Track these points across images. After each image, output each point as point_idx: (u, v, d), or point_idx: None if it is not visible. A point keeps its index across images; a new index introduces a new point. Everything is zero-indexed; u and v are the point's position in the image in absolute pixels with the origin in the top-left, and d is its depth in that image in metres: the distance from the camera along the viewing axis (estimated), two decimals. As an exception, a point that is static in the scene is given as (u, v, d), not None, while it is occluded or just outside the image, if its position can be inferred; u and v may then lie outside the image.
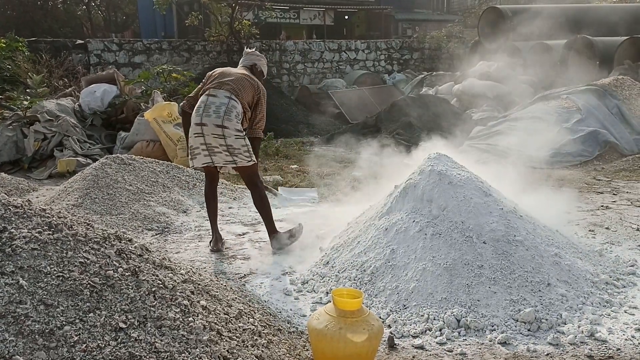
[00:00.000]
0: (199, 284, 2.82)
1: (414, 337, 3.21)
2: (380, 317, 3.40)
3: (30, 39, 13.12)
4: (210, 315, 2.63)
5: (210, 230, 4.84)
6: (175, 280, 2.66)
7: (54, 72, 10.59)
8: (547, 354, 2.99)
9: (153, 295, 2.48)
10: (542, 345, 3.07)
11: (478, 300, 3.40)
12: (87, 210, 5.15)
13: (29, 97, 8.37)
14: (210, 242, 4.81)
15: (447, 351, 3.04)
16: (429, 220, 3.86)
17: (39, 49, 12.16)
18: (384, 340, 3.12)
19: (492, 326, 3.25)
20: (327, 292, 3.77)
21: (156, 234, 5.14)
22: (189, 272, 2.88)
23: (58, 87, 10.39)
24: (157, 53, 14.52)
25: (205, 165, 4.54)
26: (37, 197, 5.89)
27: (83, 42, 13.96)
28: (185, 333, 2.40)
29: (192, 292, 2.70)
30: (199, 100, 4.50)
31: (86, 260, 2.41)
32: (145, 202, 5.55)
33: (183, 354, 2.30)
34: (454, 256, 3.63)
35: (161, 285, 2.55)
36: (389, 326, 3.32)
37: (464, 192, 3.93)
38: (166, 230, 5.26)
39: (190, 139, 4.48)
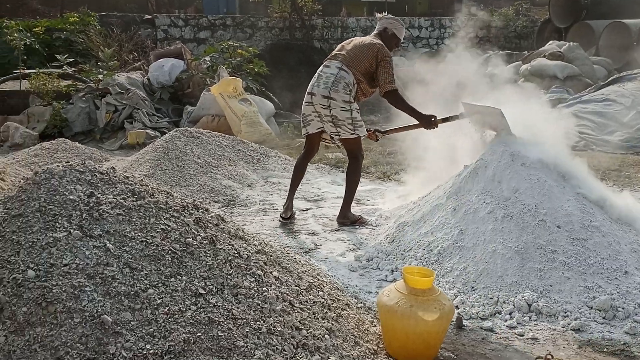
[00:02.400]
0: (271, 255, 2.86)
1: (483, 319, 3.17)
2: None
3: (101, 14, 13.54)
4: (283, 286, 2.67)
5: (287, 198, 4.89)
6: (249, 251, 2.71)
7: (123, 46, 10.91)
8: (624, 343, 2.88)
9: (229, 264, 2.54)
10: (618, 334, 2.97)
11: (550, 286, 3.31)
12: (158, 181, 5.30)
13: (101, 70, 8.66)
14: (282, 210, 4.86)
15: (518, 335, 2.98)
16: (500, 202, 3.76)
17: (110, 23, 12.54)
18: (453, 321, 3.09)
19: (565, 312, 3.16)
20: (393, 270, 3.76)
21: (222, 207, 5.25)
22: (261, 243, 2.93)
23: (127, 61, 10.71)
24: (221, 29, 14.69)
25: (318, 130, 4.62)
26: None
27: (151, 17, 14.30)
28: (260, 302, 2.45)
29: (265, 263, 2.74)
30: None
31: (167, 227, 2.49)
32: (212, 175, 5.67)
33: (258, 322, 2.35)
34: (526, 239, 3.54)
35: (236, 255, 2.61)
36: (457, 307, 3.29)
37: (537, 174, 3.81)
38: (232, 203, 5.36)
39: (302, 107, 4.63)
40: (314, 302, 2.76)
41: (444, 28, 18.51)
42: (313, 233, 4.63)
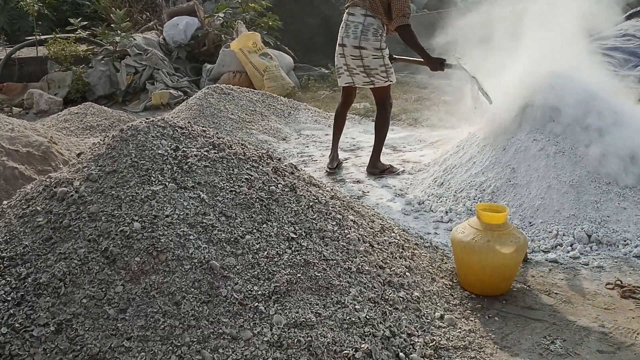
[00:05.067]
0: (344, 201, 2.94)
1: (545, 252, 3.26)
2: (506, 234, 3.46)
3: (106, -26, 13.25)
4: (360, 229, 2.75)
5: (331, 149, 4.96)
6: (325, 197, 2.79)
7: (134, 6, 10.73)
8: (689, 267, 2.98)
9: (311, 209, 2.62)
10: (681, 258, 3.06)
11: (608, 217, 3.39)
12: (197, 138, 5.35)
13: (118, 32, 8.57)
14: (328, 161, 4.93)
15: (583, 264, 3.08)
16: (551, 138, 3.81)
17: (116, -17, 12.29)
18: (517, 255, 3.19)
19: (625, 241, 3.25)
20: (447, 212, 3.84)
21: (262, 160, 5.31)
22: (332, 189, 3.00)
23: (140, 22, 10.56)
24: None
25: (348, 85, 4.61)
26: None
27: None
28: (345, 244, 2.54)
29: (342, 208, 2.82)
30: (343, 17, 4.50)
31: (250, 176, 2.55)
32: (248, 130, 5.71)
33: (347, 262, 2.44)
34: (579, 173, 3.60)
35: (316, 200, 2.68)
36: (517, 242, 3.38)
37: (587, 107, 3.84)
38: (271, 156, 5.41)
39: (335, 58, 4.58)
40: (389, 242, 2.85)
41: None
42: (358, 181, 4.70)
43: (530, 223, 3.51)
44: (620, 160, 3.61)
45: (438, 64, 4.53)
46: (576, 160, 3.66)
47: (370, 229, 2.86)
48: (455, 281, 2.88)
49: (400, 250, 2.85)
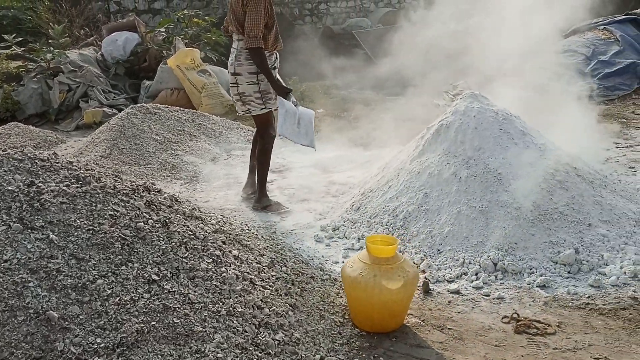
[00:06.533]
0: (230, 234, 2.78)
1: (450, 281, 3.15)
2: (414, 263, 3.34)
3: (49, -11, 12.92)
4: (243, 265, 2.59)
5: (248, 173, 4.70)
6: (206, 231, 2.62)
7: (74, 22, 10.42)
8: (589, 297, 2.90)
9: (184, 246, 2.44)
10: (583, 288, 2.99)
11: (515, 243, 3.31)
12: (116, 161, 5.13)
13: (52, 49, 8.28)
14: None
15: (484, 295, 2.98)
16: (463, 162, 3.72)
17: (59, -2, 11.97)
18: (419, 286, 3.07)
19: (531, 269, 3.17)
20: (359, 238, 3.72)
21: (185, 183, 5.11)
22: (219, 221, 2.84)
23: (80, 37, 10.26)
24: (176, -2, 14.18)
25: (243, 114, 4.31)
26: (65, 149, 5.90)
27: (102, -11, 13.71)
28: (219, 283, 2.37)
29: (224, 242, 2.66)
30: None
31: (116, 212, 2.37)
32: (173, 152, 5.51)
33: (217, 304, 2.28)
34: (490, 198, 3.52)
35: (192, 236, 2.52)
36: (423, 271, 3.27)
37: (499, 132, 3.77)
38: (195, 179, 5.23)
39: None
40: (276, 278, 2.70)
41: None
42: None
43: (438, 250, 3.41)
44: (530, 184, 3.54)
45: (284, 93, 4.15)
46: (487, 184, 3.58)
47: (257, 264, 2.70)
48: (347, 317, 2.73)
49: (288, 286, 2.69)
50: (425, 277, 3.18)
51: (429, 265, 3.30)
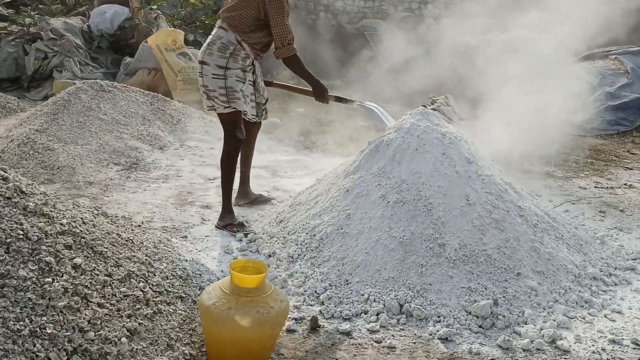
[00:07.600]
0: (83, 238, 2.42)
1: (345, 319, 2.77)
2: (316, 292, 2.98)
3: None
4: (82, 277, 2.24)
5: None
6: (46, 232, 2.27)
7: (70, -11, 10.19)
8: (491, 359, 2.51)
9: (7, 247, 2.09)
10: (488, 347, 2.59)
11: (430, 285, 2.91)
12: (51, 138, 4.81)
13: (32, 13, 8.01)
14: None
15: (375, 342, 2.59)
16: (395, 185, 3.33)
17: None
18: (307, 321, 2.71)
19: (438, 317, 2.77)
20: (270, 255, 3.36)
21: (121, 170, 4.79)
22: (75, 221, 2.48)
23: (75, 6, 10.01)
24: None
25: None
26: (12, 119, 5.62)
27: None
28: (34, 297, 2.02)
29: (69, 247, 2.31)
30: None
31: None
32: (118, 134, 5.19)
33: (20, 322, 1.92)
34: (414, 230, 3.12)
35: (22, 236, 2.16)
36: (322, 303, 2.89)
37: (442, 156, 3.37)
38: (134, 166, 4.90)
39: None
40: (125, 295, 2.34)
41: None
42: (207, 206, 4.21)
43: (346, 281, 3.02)
44: (462, 219, 3.15)
45: (324, 94, 3.88)
46: (415, 213, 3.19)
47: (105, 276, 2.34)
48: (204, 350, 2.37)
49: (138, 307, 2.33)
50: (320, 311, 2.81)
51: (329, 297, 2.93)
